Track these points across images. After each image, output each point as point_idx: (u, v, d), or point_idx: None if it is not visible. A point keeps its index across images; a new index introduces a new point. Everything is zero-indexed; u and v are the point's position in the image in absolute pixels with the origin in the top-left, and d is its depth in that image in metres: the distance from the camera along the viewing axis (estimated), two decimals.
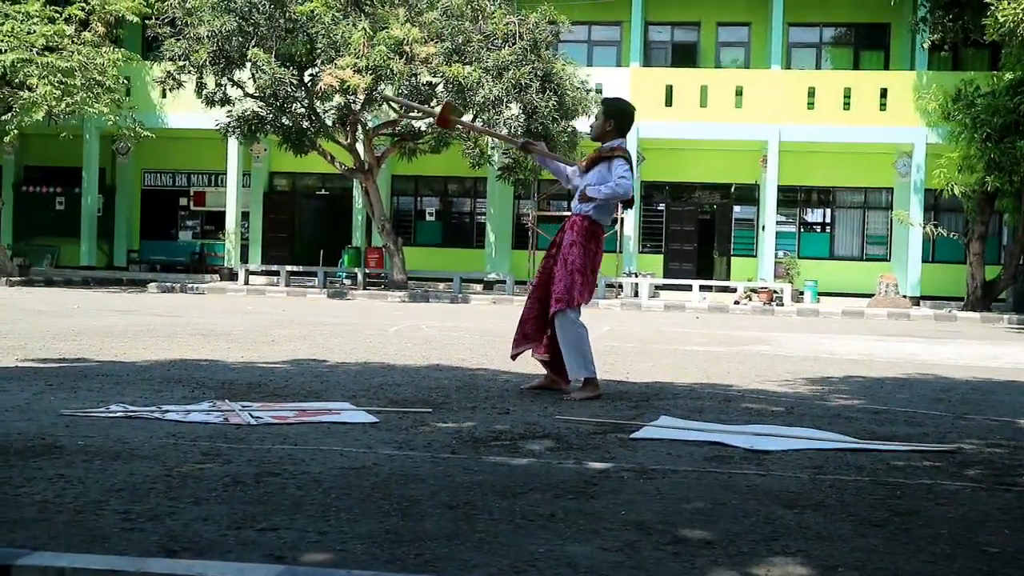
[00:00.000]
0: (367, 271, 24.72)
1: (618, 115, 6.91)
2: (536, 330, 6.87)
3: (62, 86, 22.02)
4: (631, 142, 25.33)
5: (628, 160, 6.80)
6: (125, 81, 25.22)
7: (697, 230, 27.17)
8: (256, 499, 3.56)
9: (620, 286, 24.35)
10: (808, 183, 26.89)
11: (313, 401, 6.06)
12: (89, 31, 23.42)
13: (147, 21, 23.21)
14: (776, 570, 2.91)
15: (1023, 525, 3.55)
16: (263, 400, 6.03)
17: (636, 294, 24.11)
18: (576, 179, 6.96)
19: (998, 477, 4.38)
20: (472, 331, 12.84)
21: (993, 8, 19.67)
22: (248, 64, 21.24)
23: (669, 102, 25.34)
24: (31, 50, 22.05)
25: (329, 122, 22.60)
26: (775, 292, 23.41)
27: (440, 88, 21.22)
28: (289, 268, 24.92)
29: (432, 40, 20.83)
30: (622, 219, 25.22)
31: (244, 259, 26.93)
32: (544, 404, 6.22)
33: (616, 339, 11.87)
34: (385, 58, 20.15)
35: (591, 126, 7.05)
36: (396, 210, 28.12)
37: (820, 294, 24.39)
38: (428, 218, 28.62)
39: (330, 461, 4.25)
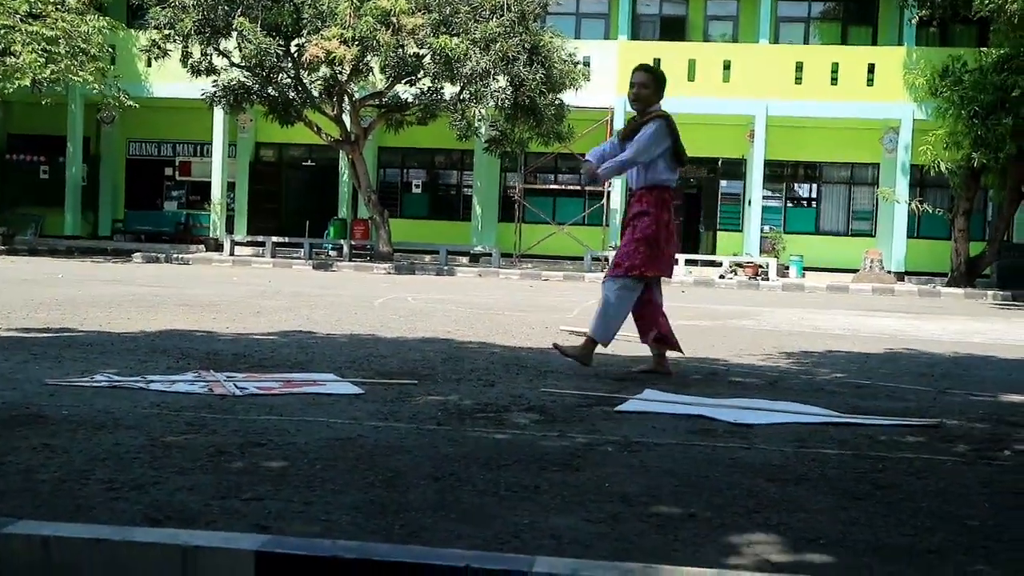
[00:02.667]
0: (353, 243, 24.66)
1: (663, 81, 6.82)
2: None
3: (46, 54, 21.82)
4: (618, 117, 25.25)
5: (663, 118, 6.62)
6: (110, 50, 25.00)
7: (683, 204, 27.18)
8: (241, 469, 3.56)
9: (606, 259, 24.35)
10: (795, 158, 26.91)
11: (298, 372, 6.06)
12: None
13: None
14: (758, 543, 2.93)
15: (1003, 498, 3.58)
16: (248, 371, 6.03)
17: None
18: (618, 150, 6.88)
19: (979, 451, 4.41)
20: (458, 303, 12.84)
21: None
22: (234, 33, 21.07)
23: None
24: (14, 16, 21.83)
25: (315, 93, 22.46)
26: (760, 267, 23.46)
27: (427, 60, 21.11)
28: (275, 239, 24.84)
29: (419, 11, 20.70)
30: (608, 192, 25.20)
31: (230, 230, 26.82)
32: (529, 376, 6.23)
33: None
34: (372, 29, 20.02)
35: (639, 96, 6.72)
36: (382, 182, 28.03)
37: (805, 269, 24.47)
38: (415, 190, 28.55)
39: (315, 432, 4.26)
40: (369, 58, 21.13)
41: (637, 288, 6.56)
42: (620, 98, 24.80)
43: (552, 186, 27.20)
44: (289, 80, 22.14)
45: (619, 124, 24.98)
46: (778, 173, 26.74)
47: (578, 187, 26.60)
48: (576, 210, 26.60)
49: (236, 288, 14.07)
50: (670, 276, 6.93)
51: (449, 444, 4.10)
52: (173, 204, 29.17)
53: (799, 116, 24.98)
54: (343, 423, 4.47)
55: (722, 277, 22.96)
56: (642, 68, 6.88)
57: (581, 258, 24.20)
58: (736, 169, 27.06)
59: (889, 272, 23.63)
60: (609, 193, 25.21)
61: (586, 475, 3.65)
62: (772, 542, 2.93)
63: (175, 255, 23.17)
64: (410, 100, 22.53)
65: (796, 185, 27.58)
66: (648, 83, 6.71)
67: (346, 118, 22.96)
